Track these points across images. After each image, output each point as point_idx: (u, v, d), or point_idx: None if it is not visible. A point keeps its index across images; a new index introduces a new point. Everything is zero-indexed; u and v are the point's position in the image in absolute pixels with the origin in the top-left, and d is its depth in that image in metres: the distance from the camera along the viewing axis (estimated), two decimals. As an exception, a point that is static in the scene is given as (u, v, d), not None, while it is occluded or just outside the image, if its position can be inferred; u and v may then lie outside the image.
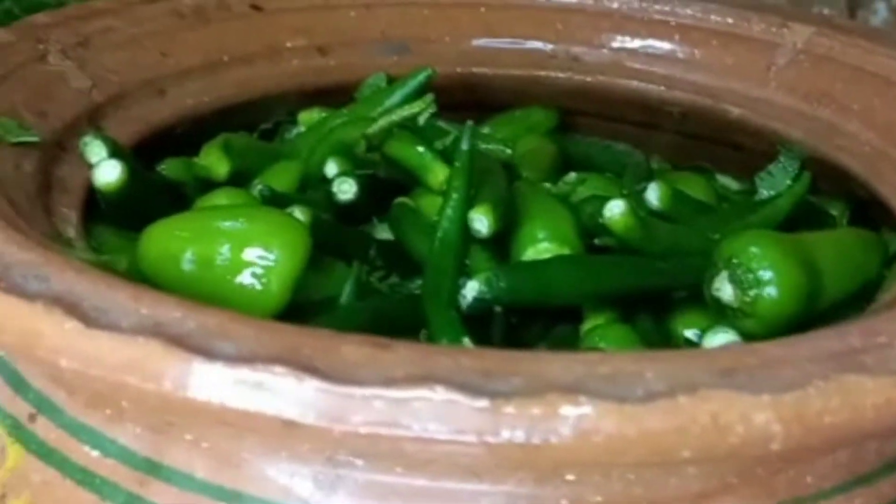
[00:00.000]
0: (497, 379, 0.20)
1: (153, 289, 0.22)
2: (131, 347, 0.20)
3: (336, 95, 0.42)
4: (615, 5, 0.43)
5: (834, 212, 0.38)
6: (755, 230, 0.31)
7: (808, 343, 0.21)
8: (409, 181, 0.37)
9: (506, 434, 0.19)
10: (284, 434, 0.20)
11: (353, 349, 0.20)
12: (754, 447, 0.19)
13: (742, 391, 0.19)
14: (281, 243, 0.30)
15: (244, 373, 0.20)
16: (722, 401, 0.19)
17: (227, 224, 0.30)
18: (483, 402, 0.19)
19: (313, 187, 0.38)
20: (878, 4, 0.70)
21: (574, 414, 0.19)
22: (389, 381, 0.19)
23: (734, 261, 0.30)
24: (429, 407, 0.19)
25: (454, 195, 0.32)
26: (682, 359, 0.20)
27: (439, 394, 0.19)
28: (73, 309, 0.21)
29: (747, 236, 0.30)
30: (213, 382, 0.20)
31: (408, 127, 0.37)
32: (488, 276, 0.30)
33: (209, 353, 0.20)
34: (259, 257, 0.29)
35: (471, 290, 0.30)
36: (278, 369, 0.20)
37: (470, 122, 0.33)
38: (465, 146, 0.32)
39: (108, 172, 0.31)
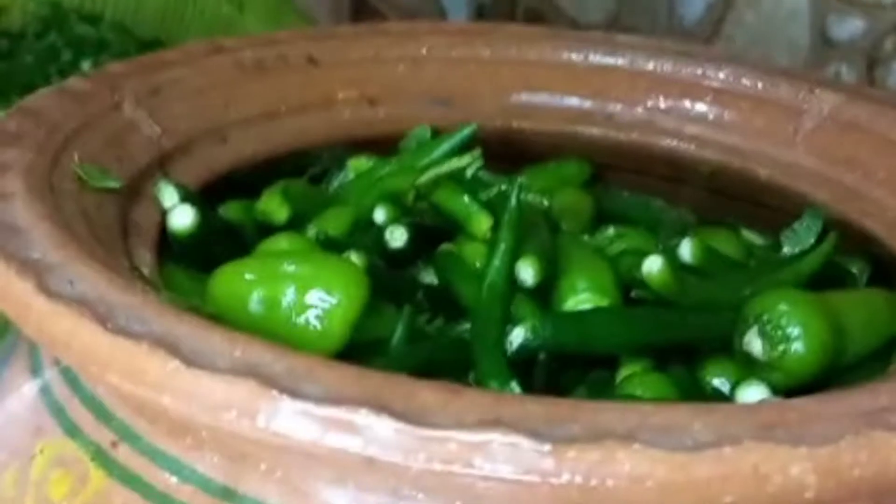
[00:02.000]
0: (559, 426, 0.22)
1: (245, 333, 0.24)
2: (229, 386, 0.22)
3: (383, 144, 0.44)
4: (650, 66, 0.46)
5: (854, 270, 0.40)
6: (784, 288, 0.33)
7: (841, 401, 0.23)
8: (453, 229, 0.39)
9: (567, 476, 0.21)
10: (362, 469, 0.22)
11: (429, 394, 0.22)
12: (791, 495, 0.21)
13: (782, 444, 0.21)
14: (342, 287, 0.32)
15: (331, 412, 0.22)
16: (763, 452, 0.21)
17: (292, 268, 0.32)
18: (547, 447, 0.21)
19: (362, 231, 0.40)
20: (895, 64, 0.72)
21: (629, 460, 0.21)
22: (462, 425, 0.21)
23: (764, 317, 0.32)
24: (498, 449, 0.21)
25: (502, 245, 0.34)
26: (728, 413, 0.22)
27: (508, 437, 0.21)
28: (174, 350, 0.23)
29: (777, 294, 0.32)
30: (302, 420, 0.22)
31: (454, 178, 0.40)
32: (534, 324, 0.32)
33: (298, 394, 0.22)
34: (321, 300, 0.32)
35: (517, 336, 0.32)
36: (362, 410, 0.22)
37: (520, 179, 0.35)
38: (514, 202, 0.34)
39: (182, 217, 0.34)
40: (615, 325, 0.33)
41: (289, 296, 0.32)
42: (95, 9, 0.72)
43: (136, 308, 0.24)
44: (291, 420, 0.22)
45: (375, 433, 0.22)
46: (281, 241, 0.36)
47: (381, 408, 0.22)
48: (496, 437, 0.21)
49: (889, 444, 0.22)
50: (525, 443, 0.21)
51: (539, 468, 0.21)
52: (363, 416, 0.22)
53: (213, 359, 0.23)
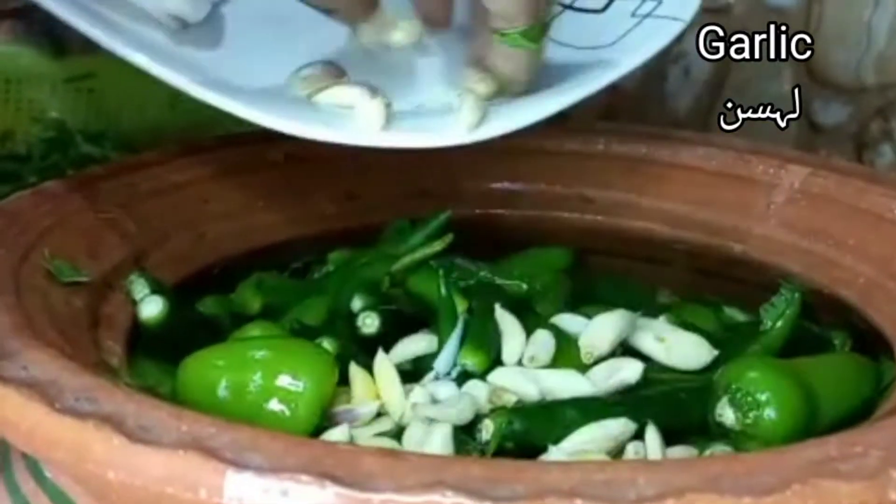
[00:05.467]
0: (502, 485, 0.21)
1: (192, 409, 0.24)
2: (172, 460, 0.22)
3: (362, 236, 0.45)
4: (624, 150, 0.46)
5: (836, 341, 0.40)
6: (752, 356, 0.33)
7: (790, 452, 0.23)
8: (429, 315, 0.39)
9: (509, 535, 0.21)
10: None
11: (371, 460, 0.22)
12: (739, 547, 0.21)
13: (726, 494, 0.21)
14: (309, 372, 0.32)
15: (274, 482, 0.22)
16: (707, 503, 0.21)
17: (260, 354, 0.32)
18: (488, 506, 0.21)
19: (341, 321, 0.40)
20: (883, 147, 0.73)
21: (571, 516, 0.21)
22: (403, 488, 0.21)
23: (733, 386, 0.32)
24: (439, 511, 0.21)
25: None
26: (674, 467, 0.22)
27: (449, 498, 0.21)
28: (119, 427, 0.23)
29: (745, 362, 0.32)
30: (245, 491, 0.22)
31: (429, 264, 0.40)
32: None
33: (241, 465, 0.22)
34: (289, 384, 0.32)
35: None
36: (304, 478, 0.22)
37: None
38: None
39: (150, 307, 0.34)
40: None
41: (256, 381, 0.32)
42: (99, 127, 0.75)
43: (87, 389, 0.25)
44: (235, 491, 0.22)
45: (318, 501, 0.22)
46: (253, 330, 0.36)
47: (323, 475, 0.22)
48: (437, 499, 0.21)
49: (837, 492, 0.21)
50: (467, 503, 0.21)
51: (480, 528, 0.21)
52: (305, 485, 0.22)
53: (158, 434, 0.23)
